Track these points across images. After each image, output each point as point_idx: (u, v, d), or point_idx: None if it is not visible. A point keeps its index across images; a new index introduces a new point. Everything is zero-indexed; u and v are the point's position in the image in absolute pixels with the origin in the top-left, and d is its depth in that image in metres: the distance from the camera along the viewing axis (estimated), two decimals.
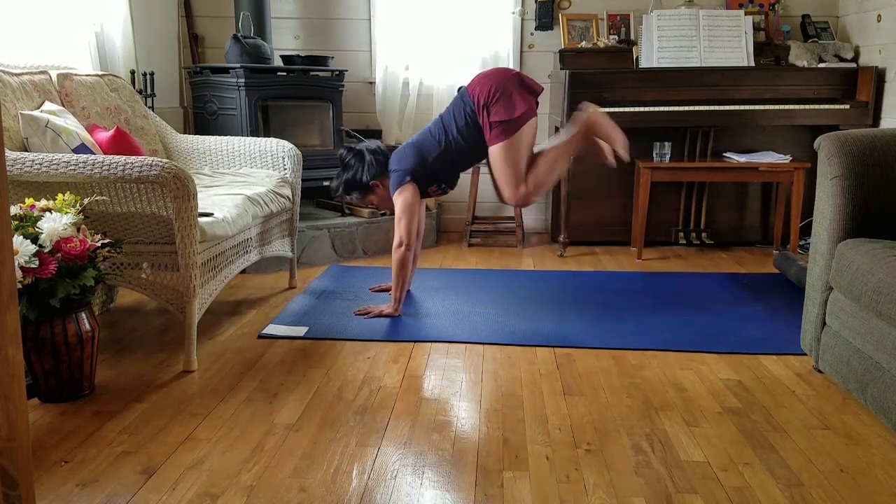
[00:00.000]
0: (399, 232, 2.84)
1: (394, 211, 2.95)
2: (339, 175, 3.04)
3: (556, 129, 4.05)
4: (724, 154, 3.99)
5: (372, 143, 3.05)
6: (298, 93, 3.82)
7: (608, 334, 2.69)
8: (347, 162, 3.00)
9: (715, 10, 4.01)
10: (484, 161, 2.96)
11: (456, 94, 2.98)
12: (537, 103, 2.86)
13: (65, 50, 3.15)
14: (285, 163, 3.22)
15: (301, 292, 3.22)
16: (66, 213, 2.05)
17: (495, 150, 2.81)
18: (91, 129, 2.70)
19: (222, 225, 2.47)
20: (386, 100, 4.32)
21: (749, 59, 3.92)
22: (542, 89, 2.89)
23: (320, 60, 3.90)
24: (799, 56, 3.92)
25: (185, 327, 2.33)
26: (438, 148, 2.88)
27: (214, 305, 2.99)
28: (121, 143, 2.67)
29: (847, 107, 3.79)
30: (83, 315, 2.10)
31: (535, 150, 2.92)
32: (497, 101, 2.76)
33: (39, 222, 2.00)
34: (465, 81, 4.30)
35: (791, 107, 3.81)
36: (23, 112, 2.43)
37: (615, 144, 2.87)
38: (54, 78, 2.77)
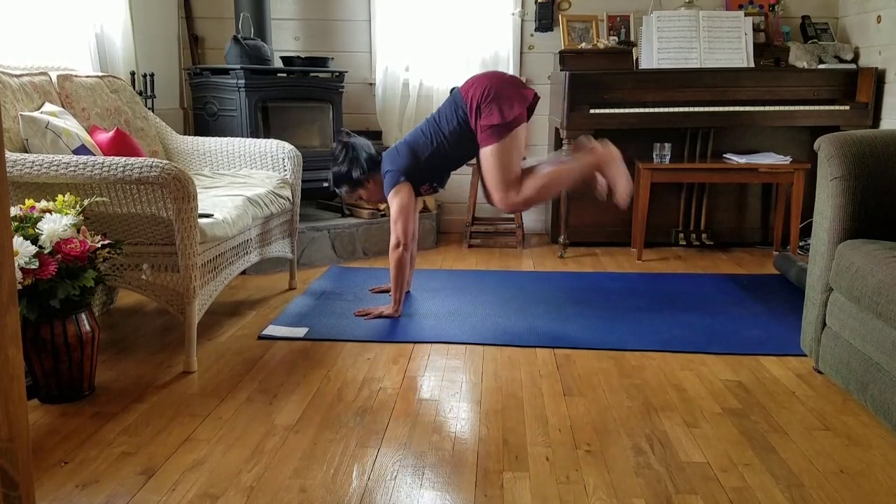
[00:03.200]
0: (396, 233, 2.84)
1: (380, 200, 3.01)
2: (330, 167, 3.04)
3: (556, 131, 4.05)
4: (724, 155, 3.99)
5: (362, 140, 3.03)
6: (298, 94, 3.82)
7: (608, 335, 2.69)
8: (338, 156, 2.99)
9: (715, 11, 4.01)
10: (474, 162, 2.97)
11: (449, 94, 2.98)
12: (531, 109, 2.84)
13: (65, 51, 3.15)
14: (285, 164, 3.22)
15: (301, 293, 3.22)
16: (66, 214, 2.05)
17: (486, 153, 2.81)
18: (91, 131, 2.70)
19: (222, 226, 2.47)
20: (386, 101, 4.32)
21: (749, 61, 3.92)
22: (537, 95, 2.88)
23: (320, 62, 3.90)
24: (799, 57, 3.93)
25: (185, 328, 2.33)
26: (430, 147, 2.87)
27: (214, 306, 2.99)
28: (121, 145, 2.67)
29: (847, 108, 3.79)
30: (83, 316, 2.10)
31: (536, 162, 2.93)
32: (490, 103, 2.76)
33: (39, 223, 2.00)
34: (462, 83, 4.31)
35: (791, 108, 3.81)
36: (23, 113, 2.43)
37: (617, 189, 2.87)
38: (54, 79, 2.78)
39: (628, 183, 2.86)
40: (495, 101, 2.76)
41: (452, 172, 3.03)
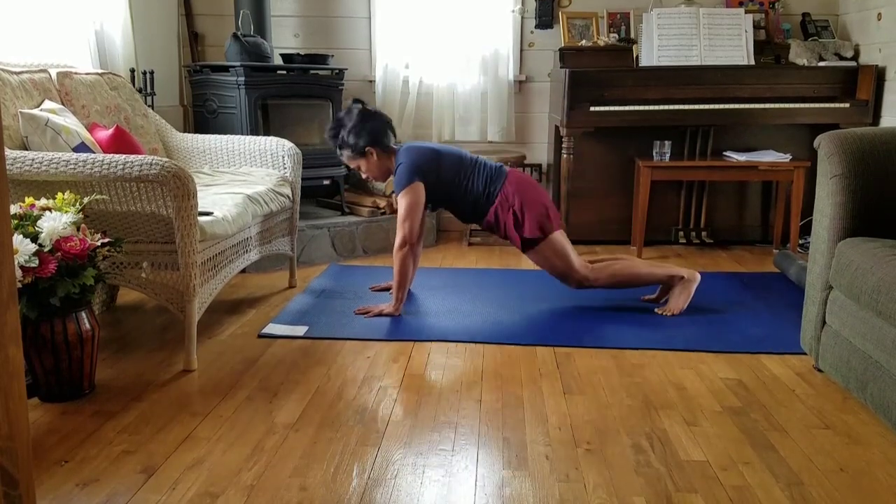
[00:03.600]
0: (402, 232, 2.83)
1: (377, 179, 3.04)
2: (337, 125, 2.96)
3: (556, 129, 4.05)
4: (724, 153, 3.99)
5: (386, 116, 3.00)
6: (298, 91, 3.82)
7: (608, 334, 2.69)
8: (353, 117, 2.91)
9: (715, 8, 4.00)
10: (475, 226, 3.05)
11: (498, 162, 3.03)
12: (542, 237, 2.89)
13: (64, 48, 3.15)
14: (285, 161, 3.22)
15: (301, 291, 3.22)
16: (66, 212, 2.05)
17: (529, 255, 2.97)
18: (91, 128, 2.70)
19: (222, 224, 2.47)
20: (386, 98, 4.32)
21: (749, 58, 3.91)
22: (561, 227, 2.98)
23: (320, 59, 3.90)
24: (799, 54, 3.92)
25: (185, 326, 2.33)
26: (455, 178, 2.90)
27: (214, 304, 2.98)
28: (120, 142, 2.67)
29: (847, 105, 3.79)
30: (83, 314, 2.10)
31: (623, 255, 3.11)
32: (521, 211, 2.86)
33: (39, 221, 2.00)
34: (462, 81, 4.32)
35: (791, 105, 3.81)
36: (22, 111, 2.42)
37: (669, 303, 2.92)
38: (54, 76, 2.77)
39: (683, 305, 2.90)
40: (527, 210, 2.85)
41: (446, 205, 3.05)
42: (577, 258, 2.93)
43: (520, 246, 2.93)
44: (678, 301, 2.90)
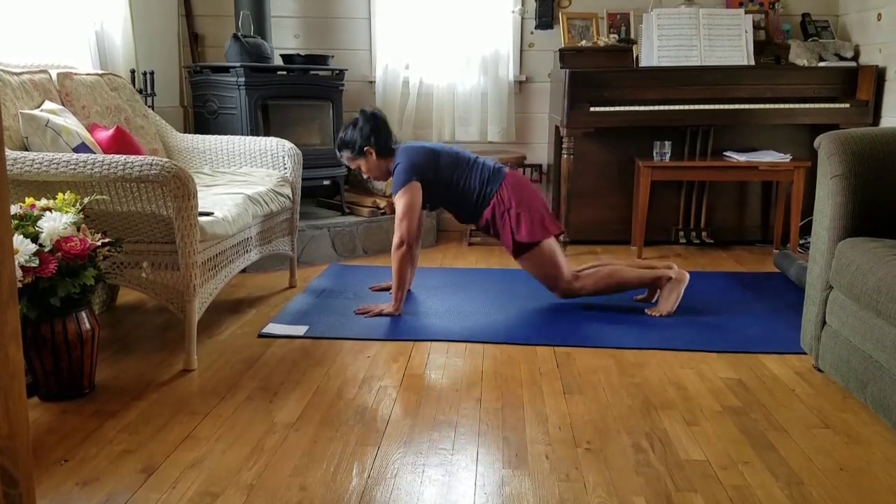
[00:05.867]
0: (400, 231, 2.84)
1: (378, 178, 3.05)
2: (345, 127, 3.03)
3: (556, 129, 4.05)
4: (725, 153, 3.99)
5: (382, 115, 3.03)
6: (298, 92, 3.82)
7: (608, 333, 2.69)
8: (356, 121, 2.99)
9: (715, 8, 4.00)
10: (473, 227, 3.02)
11: (497, 161, 3.04)
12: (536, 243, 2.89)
13: (65, 49, 3.15)
14: (285, 162, 3.22)
15: (301, 291, 3.22)
16: (67, 212, 2.05)
17: (520, 261, 2.95)
18: (91, 129, 2.70)
19: (222, 224, 2.47)
20: (386, 99, 4.32)
21: (749, 58, 3.91)
22: (560, 231, 2.99)
23: (320, 59, 3.90)
24: (799, 55, 3.92)
25: (186, 326, 2.33)
26: (452, 177, 2.90)
27: (214, 304, 2.98)
28: (121, 143, 2.67)
29: (847, 106, 3.79)
30: (83, 314, 2.10)
31: (608, 260, 3.11)
32: (517, 215, 2.85)
33: (39, 221, 2.00)
34: (462, 81, 4.32)
35: (791, 106, 3.81)
36: (23, 111, 2.42)
37: (660, 304, 2.91)
38: (54, 77, 2.77)
39: (672, 306, 2.89)
40: (522, 213, 2.85)
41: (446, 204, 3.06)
42: (567, 266, 2.94)
43: (511, 250, 2.92)
44: (668, 302, 2.89)
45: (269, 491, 1.64)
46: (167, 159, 2.24)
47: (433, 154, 2.92)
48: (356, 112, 3.04)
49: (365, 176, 3.08)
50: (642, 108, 3.80)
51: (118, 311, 2.97)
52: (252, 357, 2.46)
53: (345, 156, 3.03)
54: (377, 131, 2.95)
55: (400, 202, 2.86)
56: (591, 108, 3.78)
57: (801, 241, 3.91)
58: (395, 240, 2.85)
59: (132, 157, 2.21)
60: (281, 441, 1.88)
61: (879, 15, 3.81)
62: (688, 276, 2.94)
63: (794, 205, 3.80)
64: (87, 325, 2.10)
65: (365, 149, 2.95)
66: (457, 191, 2.93)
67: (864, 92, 3.79)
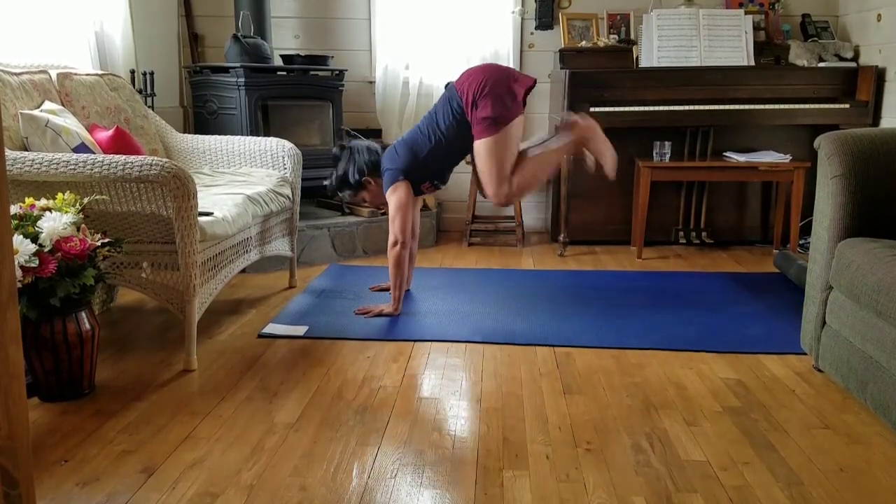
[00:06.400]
0: (393, 231, 2.84)
1: (383, 204, 3.01)
2: (332, 172, 3.06)
3: (556, 129, 4.04)
4: (724, 153, 3.99)
5: (364, 142, 3.05)
6: (298, 92, 3.82)
7: (608, 333, 2.69)
8: (338, 159, 3.02)
9: (715, 9, 4.00)
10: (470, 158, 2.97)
11: (444, 90, 2.97)
12: (524, 102, 2.82)
13: (65, 49, 3.15)
14: (285, 162, 3.22)
15: (301, 292, 3.22)
16: (66, 212, 2.05)
17: (481, 146, 2.78)
18: (91, 129, 2.70)
19: (222, 224, 2.47)
20: (386, 99, 4.32)
21: (749, 59, 3.92)
22: (534, 82, 2.85)
23: (320, 60, 3.90)
24: (799, 55, 3.92)
25: (185, 326, 2.33)
26: (429, 144, 2.87)
27: (214, 305, 2.98)
28: (120, 143, 2.67)
29: (847, 106, 3.79)
30: (83, 314, 2.10)
31: (522, 146, 2.92)
32: (485, 96, 2.73)
33: (39, 222, 2.00)
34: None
35: (791, 106, 3.81)
36: (22, 111, 2.42)
37: (603, 160, 2.88)
38: (54, 77, 2.77)
39: (613, 154, 2.87)
40: (490, 93, 2.73)
41: (454, 169, 3.03)
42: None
43: (478, 132, 2.76)
44: (605, 155, 2.85)
45: (269, 491, 1.64)
46: (167, 159, 2.24)
47: (407, 146, 2.90)
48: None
49: (372, 205, 3.09)
50: (642, 108, 3.80)
51: (118, 311, 2.97)
52: (252, 357, 2.46)
53: (347, 195, 3.09)
54: (367, 160, 2.96)
55: (390, 202, 2.88)
56: (591, 109, 3.78)
57: (800, 242, 3.91)
58: (390, 239, 2.86)
59: (132, 158, 2.21)
60: (281, 441, 1.88)
61: (879, 15, 3.81)
62: (592, 122, 2.90)
63: (793, 205, 3.80)
64: (87, 326, 2.10)
65: (363, 180, 2.98)
66: (440, 147, 2.86)
67: (864, 92, 3.79)
